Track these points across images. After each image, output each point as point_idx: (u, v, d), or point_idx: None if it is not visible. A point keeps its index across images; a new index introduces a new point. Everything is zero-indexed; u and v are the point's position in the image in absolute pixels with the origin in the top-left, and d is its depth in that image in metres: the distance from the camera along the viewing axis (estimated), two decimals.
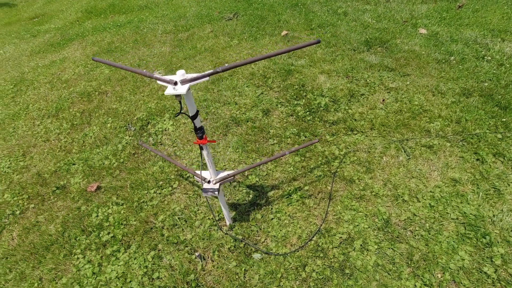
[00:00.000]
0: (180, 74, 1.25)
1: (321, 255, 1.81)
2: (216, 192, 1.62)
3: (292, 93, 3.16)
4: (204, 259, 1.89)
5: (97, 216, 2.23)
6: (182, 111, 1.33)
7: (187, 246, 1.96)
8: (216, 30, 4.90)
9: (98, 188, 2.45)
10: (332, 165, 2.36)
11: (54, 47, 5.41)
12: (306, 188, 2.22)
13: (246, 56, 4.00)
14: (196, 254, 1.90)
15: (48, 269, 1.96)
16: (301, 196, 2.16)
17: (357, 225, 1.93)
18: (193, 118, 1.39)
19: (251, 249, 1.89)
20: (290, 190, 2.22)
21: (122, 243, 2.03)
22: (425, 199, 2.01)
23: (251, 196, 2.22)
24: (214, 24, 5.15)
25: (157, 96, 3.47)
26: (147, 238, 2.04)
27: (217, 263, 1.85)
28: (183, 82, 1.22)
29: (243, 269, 1.80)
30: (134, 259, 1.92)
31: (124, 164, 2.66)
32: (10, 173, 2.76)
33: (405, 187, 2.11)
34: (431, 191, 2.05)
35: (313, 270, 1.75)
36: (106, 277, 1.85)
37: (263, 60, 3.80)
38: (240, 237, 1.96)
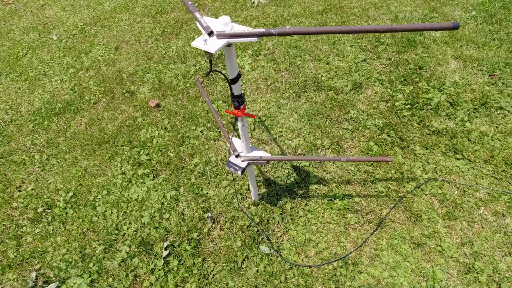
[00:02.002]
0: (222, 23, 0.91)
1: (332, 287, 1.50)
2: (239, 172, 1.37)
3: (402, 73, 2.44)
4: (214, 223, 1.78)
5: (146, 133, 2.28)
6: (216, 70, 1.02)
7: (205, 202, 1.87)
8: None
9: (157, 105, 2.46)
10: (404, 187, 1.82)
11: None
12: (357, 199, 1.80)
13: (367, 5, 3.18)
14: (209, 214, 1.80)
15: (93, 164, 2.15)
16: (345, 206, 1.77)
17: (395, 276, 1.51)
18: (232, 82, 1.08)
19: (262, 239, 1.69)
20: (337, 193, 1.83)
21: (153, 170, 2.06)
22: None
23: (291, 179, 1.92)
24: None
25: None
26: (174, 175, 2.01)
27: (224, 234, 1.73)
28: (220, 36, 0.88)
29: (244, 254, 1.64)
30: (156, 191, 1.94)
31: (188, 90, 2.58)
32: (101, 62, 2.98)
33: (490, 262, 1.50)
34: None
35: None
36: (128, 195, 1.94)
37: (385, 18, 2.98)
38: (258, 219, 1.76)
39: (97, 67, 2.93)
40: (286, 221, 1.76)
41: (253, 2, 3.42)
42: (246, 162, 1.39)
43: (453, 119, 2.11)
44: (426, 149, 1.98)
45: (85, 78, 2.83)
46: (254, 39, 0.87)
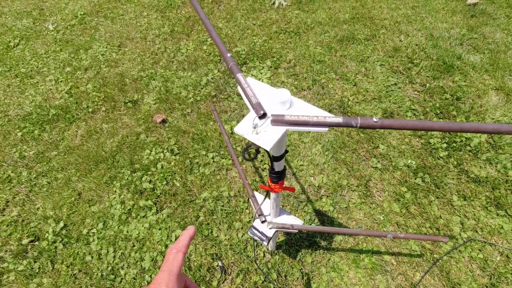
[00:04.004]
0: (280, 100, 0.66)
1: None
2: (265, 242, 1.14)
3: (437, 105, 2.20)
4: (225, 274, 1.57)
5: (149, 155, 2.03)
6: (254, 157, 0.77)
7: (214, 246, 1.65)
8: None
9: (163, 121, 2.20)
10: (440, 246, 1.61)
11: None
12: (387, 258, 1.59)
13: (399, 17, 2.88)
14: (219, 263, 1.59)
15: (88, 188, 1.91)
16: (373, 266, 1.56)
17: None
18: (276, 159, 0.83)
19: None
20: (364, 247, 1.62)
21: (156, 202, 1.82)
22: None
23: (313, 226, 1.70)
24: None
25: (268, 32, 2.82)
26: (181, 210, 1.78)
27: None
28: (277, 121, 0.63)
29: None
30: (159, 229, 1.71)
31: (198, 104, 2.31)
32: (102, 62, 2.68)
33: None
34: None
35: None
36: (127, 232, 1.71)
37: (418, 35, 2.70)
38: (275, 275, 1.55)
39: (97, 67, 2.63)
40: (306, 278, 1.55)
41: (273, 3, 3.10)
42: (273, 230, 1.16)
43: (494, 165, 1.89)
44: (464, 199, 1.77)
45: (83, 80, 2.53)
46: (325, 129, 0.62)
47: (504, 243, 1.61)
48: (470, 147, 1.97)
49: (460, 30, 2.72)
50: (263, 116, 0.63)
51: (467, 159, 1.93)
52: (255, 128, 0.62)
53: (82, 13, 3.18)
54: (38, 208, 1.85)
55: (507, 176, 1.84)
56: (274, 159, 0.82)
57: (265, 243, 1.14)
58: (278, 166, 0.86)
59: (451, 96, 2.25)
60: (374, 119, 0.60)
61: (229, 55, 0.74)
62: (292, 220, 1.17)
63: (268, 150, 0.61)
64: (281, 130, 0.62)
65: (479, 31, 2.71)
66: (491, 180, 1.82)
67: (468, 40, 2.65)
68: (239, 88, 0.71)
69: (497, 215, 1.71)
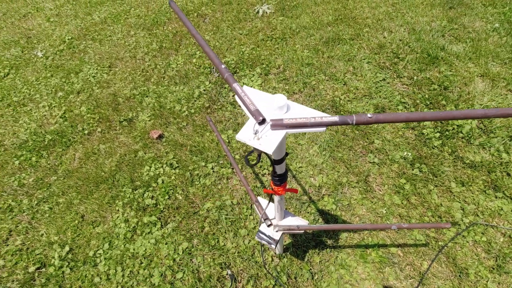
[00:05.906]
0: (277, 104, 0.69)
1: None
2: (273, 245, 1.16)
3: (426, 96, 2.25)
4: (235, 282, 1.57)
5: (149, 171, 2.04)
6: (256, 163, 0.79)
7: (222, 255, 1.65)
8: None
9: (160, 137, 2.22)
10: (444, 233, 1.64)
11: None
12: (393, 250, 1.61)
13: (381, 15, 2.96)
14: (228, 272, 1.59)
15: (91, 209, 1.91)
16: (381, 259, 1.58)
17: None
18: (277, 163, 0.85)
19: None
20: (370, 241, 1.64)
21: (160, 217, 1.83)
22: None
23: (318, 225, 1.72)
24: None
25: (255, 40, 2.88)
26: (186, 223, 1.79)
27: None
28: (277, 125, 0.65)
29: None
30: (165, 244, 1.71)
31: (193, 116, 2.33)
32: (93, 84, 2.70)
33: None
34: None
35: None
36: (134, 249, 1.71)
37: (401, 30, 2.78)
38: (285, 278, 1.55)
39: (89, 89, 2.65)
40: (316, 278, 1.56)
41: (257, 12, 3.16)
42: (280, 233, 1.18)
43: (488, 149, 1.94)
44: (463, 185, 1.80)
45: (76, 103, 2.55)
46: (322, 129, 0.65)
47: (505, 224, 1.65)
48: (463, 133, 2.02)
49: (441, 22, 2.80)
50: (262, 121, 0.65)
51: (460, 146, 1.97)
52: (256, 134, 0.64)
53: (69, 37, 3.21)
54: (42, 234, 1.84)
55: (501, 158, 1.88)
56: (275, 162, 0.84)
57: (273, 246, 1.16)
58: (280, 169, 0.88)
59: (438, 87, 2.30)
60: (369, 115, 0.63)
61: (223, 66, 0.77)
62: (298, 221, 1.19)
63: (270, 154, 0.63)
64: (281, 133, 0.65)
65: (459, 21, 2.79)
66: (486, 164, 1.87)
67: (449, 31, 2.72)
68: (236, 97, 0.73)
69: (496, 197, 1.74)
